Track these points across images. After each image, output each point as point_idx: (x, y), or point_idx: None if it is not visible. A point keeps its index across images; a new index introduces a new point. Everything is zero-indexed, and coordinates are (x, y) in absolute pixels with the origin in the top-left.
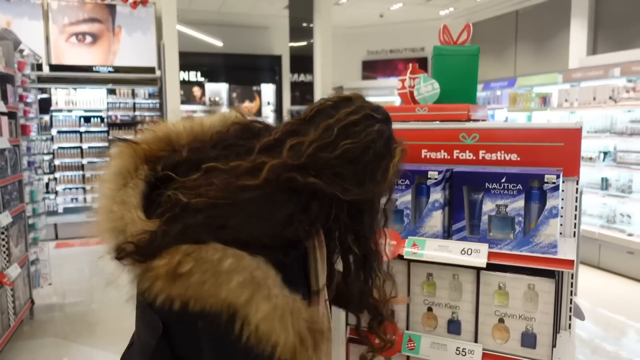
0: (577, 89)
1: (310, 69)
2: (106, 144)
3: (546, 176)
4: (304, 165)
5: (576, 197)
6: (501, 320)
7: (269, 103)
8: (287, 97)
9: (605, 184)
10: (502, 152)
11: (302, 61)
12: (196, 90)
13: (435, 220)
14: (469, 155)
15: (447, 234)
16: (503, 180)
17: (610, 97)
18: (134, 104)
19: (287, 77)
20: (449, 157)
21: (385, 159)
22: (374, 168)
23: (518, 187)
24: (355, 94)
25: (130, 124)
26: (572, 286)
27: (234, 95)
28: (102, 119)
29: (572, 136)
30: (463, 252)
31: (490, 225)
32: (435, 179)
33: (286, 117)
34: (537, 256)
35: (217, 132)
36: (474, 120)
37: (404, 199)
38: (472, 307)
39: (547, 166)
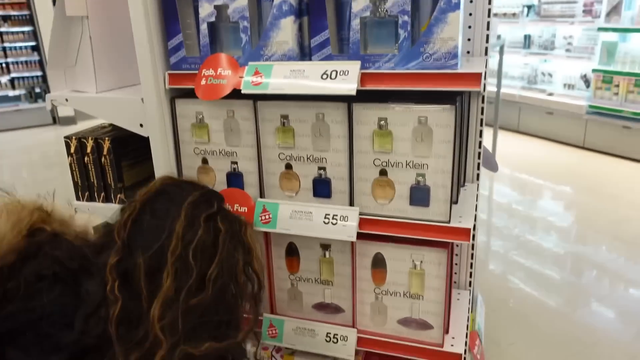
0: None
1: None
2: None
3: None
4: (188, 337)
5: None
6: (383, 172)
7: None
8: None
9: (527, 41)
10: None
11: None
12: None
13: (285, 33)
14: None
15: (306, 53)
16: None
17: None
18: None
19: None
20: None
21: (243, 253)
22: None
23: None
24: (163, 180)
25: None
26: (481, 124)
27: None
28: None
29: None
30: (325, 77)
31: (364, 35)
32: None
33: None
34: (431, 73)
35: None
36: None
37: (237, 4)
38: (343, 157)
39: None
